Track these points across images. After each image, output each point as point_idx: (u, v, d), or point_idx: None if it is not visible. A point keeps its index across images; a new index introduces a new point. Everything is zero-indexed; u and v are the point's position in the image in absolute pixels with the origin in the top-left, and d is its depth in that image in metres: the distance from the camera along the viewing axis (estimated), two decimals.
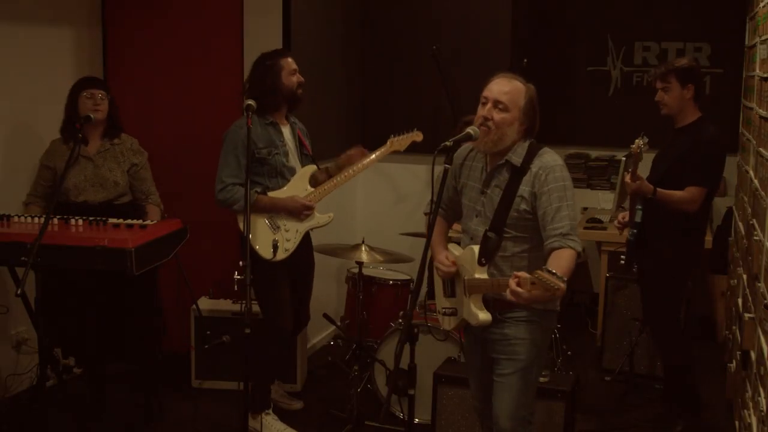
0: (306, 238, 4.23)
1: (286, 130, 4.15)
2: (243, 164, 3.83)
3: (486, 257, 2.95)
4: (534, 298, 2.67)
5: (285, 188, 4.07)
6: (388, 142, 4.28)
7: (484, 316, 2.93)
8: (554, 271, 2.58)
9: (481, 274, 2.94)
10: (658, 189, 3.87)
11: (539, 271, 2.59)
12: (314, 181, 4.16)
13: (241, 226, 3.92)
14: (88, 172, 4.06)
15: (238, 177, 3.90)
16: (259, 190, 3.98)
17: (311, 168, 4.19)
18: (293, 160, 4.14)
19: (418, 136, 4.28)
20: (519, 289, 2.65)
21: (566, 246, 2.84)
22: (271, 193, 4.02)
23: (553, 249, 2.86)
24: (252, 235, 3.86)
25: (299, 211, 4.04)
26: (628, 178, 3.88)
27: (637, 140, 3.80)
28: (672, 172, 3.94)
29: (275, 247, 3.95)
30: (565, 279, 2.59)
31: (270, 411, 4.16)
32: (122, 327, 4.10)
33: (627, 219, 4.13)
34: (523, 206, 2.94)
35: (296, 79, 4.09)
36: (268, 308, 4.09)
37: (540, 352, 3.07)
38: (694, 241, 4.08)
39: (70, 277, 3.99)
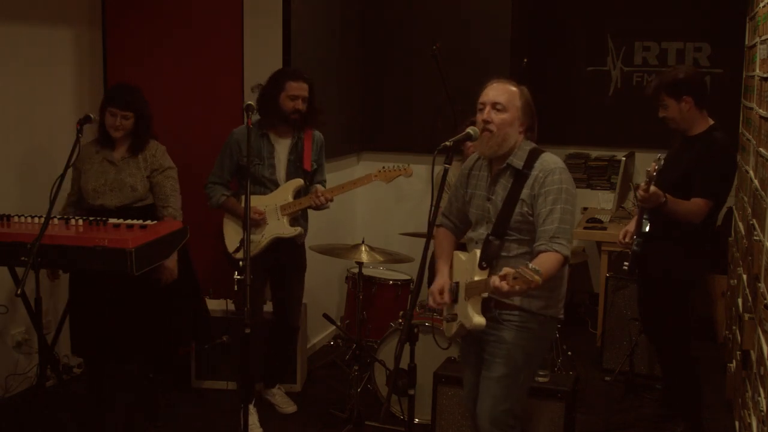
0: (296, 245, 4.32)
1: (281, 145, 4.24)
2: (226, 167, 4.24)
3: (487, 261, 2.96)
4: (515, 292, 2.70)
5: (269, 194, 4.22)
6: (375, 171, 4.26)
7: (478, 319, 2.92)
8: (534, 266, 2.64)
9: (480, 277, 2.94)
10: (668, 196, 3.72)
11: (522, 267, 2.65)
12: (298, 195, 4.25)
13: (225, 222, 4.32)
14: (110, 176, 4.04)
15: (219, 178, 4.26)
16: (227, 194, 4.26)
17: (298, 182, 4.24)
18: (279, 174, 4.24)
19: (407, 172, 4.25)
20: (500, 284, 2.69)
21: (551, 249, 2.89)
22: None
23: (540, 252, 2.91)
24: (227, 230, 4.31)
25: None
26: (641, 191, 3.69)
27: (653, 163, 3.63)
28: (682, 184, 3.81)
29: (240, 245, 4.15)
30: (542, 274, 2.63)
31: (249, 407, 4.18)
32: (128, 327, 4.09)
33: (628, 238, 4.04)
34: (525, 209, 2.97)
35: (293, 105, 4.13)
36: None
37: (531, 360, 3.09)
38: (704, 252, 3.99)
39: (91, 276, 3.97)
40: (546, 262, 2.86)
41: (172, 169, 4.18)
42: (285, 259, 4.30)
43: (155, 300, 4.04)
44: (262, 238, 4.22)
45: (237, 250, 4.24)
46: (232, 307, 4.64)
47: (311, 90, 4.20)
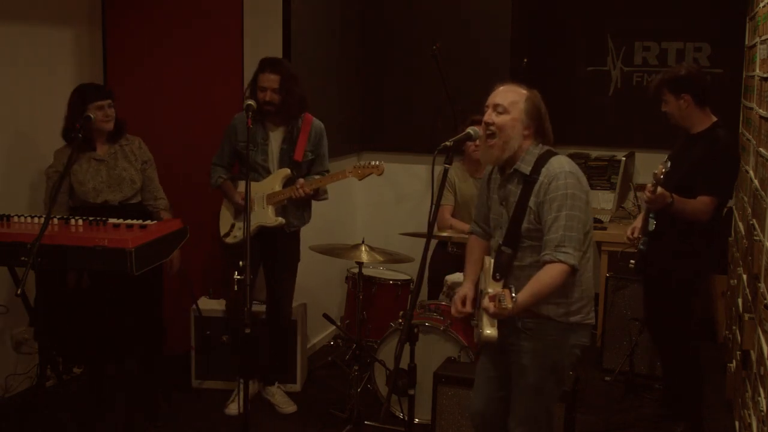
0: (286, 233, 4.31)
1: (275, 133, 4.28)
2: (225, 151, 4.36)
3: (500, 272, 2.91)
4: (500, 315, 2.69)
5: (261, 182, 4.27)
6: (350, 167, 4.23)
7: (488, 332, 2.82)
8: (513, 293, 2.63)
9: (493, 289, 2.87)
10: (675, 196, 3.72)
11: (505, 289, 2.64)
12: (287, 185, 4.26)
13: (222, 206, 4.44)
14: (104, 173, 4.07)
15: (220, 160, 4.38)
16: (224, 176, 4.36)
17: (285, 171, 4.26)
18: (271, 161, 4.28)
19: (378, 170, 4.17)
20: (488, 305, 2.68)
21: (555, 259, 2.81)
22: (244, 182, 4.21)
23: (545, 262, 2.84)
24: (222, 214, 4.41)
25: (235, 201, 4.31)
26: (647, 193, 3.71)
27: (660, 166, 3.63)
28: (686, 183, 3.81)
29: (230, 230, 4.34)
30: (517, 301, 2.64)
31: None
32: (126, 326, 4.10)
33: (636, 233, 4.05)
34: (532, 217, 2.90)
35: (262, 96, 4.15)
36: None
37: (556, 367, 3.01)
38: (711, 249, 4.00)
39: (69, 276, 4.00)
40: (545, 277, 2.82)
41: (153, 160, 4.28)
42: (276, 246, 4.32)
43: (146, 297, 4.06)
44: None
45: (227, 234, 4.34)
46: (223, 306, 4.64)
47: (285, 80, 4.17)
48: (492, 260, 2.96)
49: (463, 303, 3.03)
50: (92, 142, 4.08)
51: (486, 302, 2.68)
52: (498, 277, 2.90)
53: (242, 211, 4.24)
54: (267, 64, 4.20)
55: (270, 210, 4.24)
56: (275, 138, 4.28)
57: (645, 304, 4.31)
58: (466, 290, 3.07)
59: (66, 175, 3.89)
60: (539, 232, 2.90)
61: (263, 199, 4.24)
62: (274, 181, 4.25)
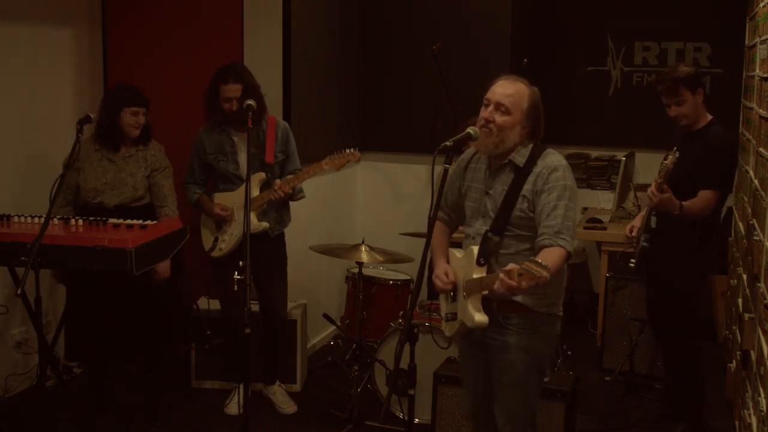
0: (270, 238, 4.31)
1: (242, 139, 4.24)
2: (195, 166, 4.36)
3: (485, 257, 2.93)
4: (522, 290, 2.66)
5: (237, 190, 4.26)
6: (326, 159, 4.19)
7: (480, 317, 2.89)
8: (540, 260, 2.60)
9: (479, 275, 2.91)
10: (684, 204, 3.75)
11: (527, 262, 2.60)
12: (264, 189, 4.26)
13: (201, 221, 4.43)
14: (110, 175, 4.07)
15: (191, 177, 4.38)
16: (199, 192, 4.35)
17: (260, 175, 4.24)
18: (243, 169, 4.26)
19: (354, 157, 4.16)
20: (509, 281, 2.63)
21: (556, 244, 2.83)
22: (219, 194, 4.32)
23: (543, 246, 2.85)
24: (203, 229, 4.39)
25: (215, 214, 4.30)
26: (654, 189, 3.73)
27: (670, 156, 3.64)
28: (686, 179, 3.83)
29: (214, 244, 4.32)
30: (550, 269, 2.59)
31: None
32: (127, 327, 4.09)
33: (635, 233, 4.07)
34: (525, 205, 2.93)
35: (228, 106, 4.13)
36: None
37: (540, 360, 3.05)
38: (712, 245, 4.03)
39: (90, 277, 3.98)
40: (550, 257, 2.80)
41: (169, 168, 4.26)
42: (263, 253, 4.27)
43: (151, 300, 4.05)
44: (231, 237, 4.27)
45: (211, 249, 4.34)
46: (217, 306, 4.61)
47: (247, 89, 4.15)
48: (475, 248, 2.95)
49: (446, 275, 3.04)
50: (118, 144, 4.09)
51: (499, 283, 2.66)
52: (482, 262, 2.91)
53: (223, 223, 4.30)
54: (229, 74, 4.17)
55: (252, 216, 4.19)
56: (243, 144, 4.23)
57: (648, 302, 4.31)
58: (444, 266, 3.08)
59: (66, 172, 3.88)
60: (529, 220, 2.93)
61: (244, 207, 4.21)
62: (253, 186, 4.20)
